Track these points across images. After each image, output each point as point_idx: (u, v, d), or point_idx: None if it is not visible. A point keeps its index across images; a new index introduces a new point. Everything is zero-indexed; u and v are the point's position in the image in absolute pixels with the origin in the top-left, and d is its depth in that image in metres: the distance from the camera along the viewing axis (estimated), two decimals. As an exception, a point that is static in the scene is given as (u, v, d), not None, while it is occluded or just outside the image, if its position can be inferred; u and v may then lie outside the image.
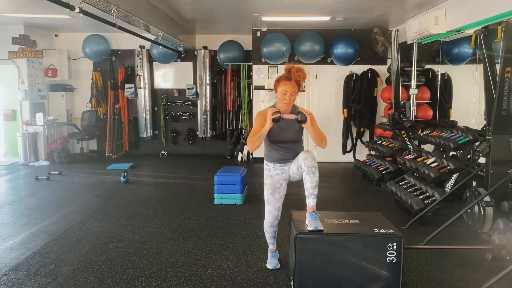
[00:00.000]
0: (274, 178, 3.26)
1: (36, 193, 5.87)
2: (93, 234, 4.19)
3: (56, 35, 8.91)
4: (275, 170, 3.26)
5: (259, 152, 8.23)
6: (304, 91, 7.17)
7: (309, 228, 2.90)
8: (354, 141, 8.23)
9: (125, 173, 6.49)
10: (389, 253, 2.84)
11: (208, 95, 8.91)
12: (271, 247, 3.47)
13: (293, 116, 3.06)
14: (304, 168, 3.00)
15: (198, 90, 8.87)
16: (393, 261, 2.84)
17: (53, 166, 7.77)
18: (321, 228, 2.89)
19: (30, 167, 7.78)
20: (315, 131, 3.08)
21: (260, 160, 8.32)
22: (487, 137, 4.13)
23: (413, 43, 6.49)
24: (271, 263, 3.45)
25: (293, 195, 5.73)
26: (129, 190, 6.07)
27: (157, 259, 3.58)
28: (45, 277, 3.24)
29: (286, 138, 3.19)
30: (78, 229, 4.34)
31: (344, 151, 8.24)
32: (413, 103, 6.63)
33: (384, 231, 2.89)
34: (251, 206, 5.22)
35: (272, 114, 3.00)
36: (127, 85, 8.71)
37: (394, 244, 2.83)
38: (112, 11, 4.61)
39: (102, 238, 4.08)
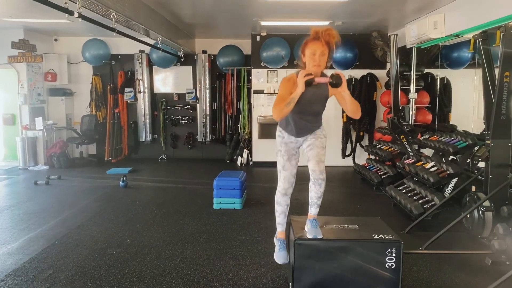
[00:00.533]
0: (288, 145, 3.07)
1: (35, 197, 5.86)
2: (92, 239, 4.18)
3: (55, 40, 8.93)
4: (289, 138, 3.07)
5: (259, 156, 8.34)
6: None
7: (309, 236, 2.89)
8: (354, 145, 8.23)
9: (124, 178, 6.48)
10: (388, 259, 2.82)
11: (207, 99, 8.92)
12: (280, 230, 3.15)
13: (326, 79, 2.77)
14: (311, 178, 2.95)
15: (198, 94, 8.88)
16: (392, 267, 2.83)
17: (52, 170, 7.75)
18: (321, 236, 2.87)
19: (29, 172, 7.77)
20: (350, 95, 2.81)
21: (259, 164, 8.32)
22: (486, 141, 4.12)
23: (412, 47, 6.50)
24: (280, 256, 3.11)
25: (293, 200, 5.70)
26: (128, 194, 6.06)
27: (156, 265, 3.57)
28: (43, 282, 3.22)
29: (311, 109, 2.95)
30: (76, 234, 4.33)
31: (344, 155, 8.23)
32: (412, 107, 6.64)
33: (383, 237, 2.88)
34: (250, 210, 5.20)
35: (304, 76, 2.72)
36: (126, 89, 8.72)
37: (393, 249, 2.81)
38: (111, 16, 4.62)
39: (100, 243, 4.07)
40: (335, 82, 2.72)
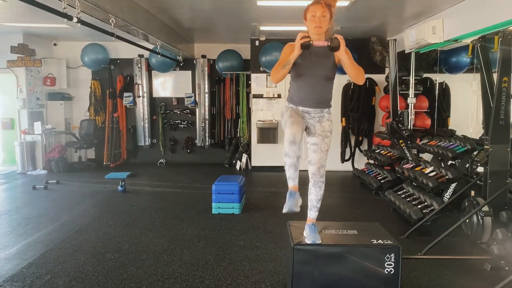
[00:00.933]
0: (296, 110, 2.93)
1: (33, 202, 5.84)
2: (90, 244, 4.16)
3: (55, 44, 8.93)
4: (297, 109, 2.94)
5: (258, 160, 8.33)
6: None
7: (307, 241, 2.88)
8: (353, 149, 8.22)
9: (123, 182, 6.46)
10: (387, 264, 2.81)
11: (206, 104, 8.92)
12: (291, 184, 2.80)
13: (324, 43, 2.71)
14: (311, 180, 2.98)
15: (197, 99, 8.89)
16: (391, 272, 2.82)
17: (51, 175, 7.74)
18: (320, 242, 2.87)
19: (27, 176, 7.75)
20: (350, 60, 2.74)
21: (258, 169, 8.32)
22: (485, 146, 4.12)
23: (410, 52, 6.51)
24: (288, 204, 2.76)
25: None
26: (127, 199, 6.04)
27: (154, 270, 3.55)
28: (41, 288, 3.21)
29: (315, 73, 2.86)
30: (74, 239, 4.31)
31: (343, 160, 8.23)
32: (411, 112, 6.65)
33: (382, 242, 2.88)
34: (249, 215, 5.19)
35: (300, 39, 2.68)
36: (125, 94, 8.73)
37: (392, 255, 2.81)
38: (110, 21, 4.63)
39: (99, 248, 4.05)
40: (333, 45, 2.67)
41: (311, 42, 2.72)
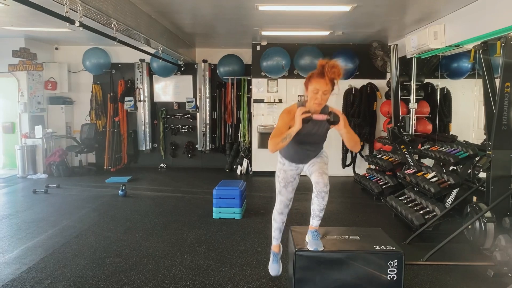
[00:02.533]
0: (287, 173, 3.06)
1: (33, 206, 5.83)
2: (90, 249, 4.14)
3: (56, 48, 8.95)
4: (290, 166, 3.06)
5: (258, 165, 8.31)
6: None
7: (310, 248, 2.85)
8: (354, 155, 8.21)
9: (124, 187, 6.45)
10: (390, 270, 2.79)
11: (207, 108, 8.92)
12: (275, 243, 3.25)
13: (324, 117, 2.73)
14: (315, 190, 2.92)
15: (198, 103, 8.89)
16: (394, 278, 2.80)
17: (51, 179, 7.73)
18: (322, 249, 2.84)
19: (28, 180, 7.74)
20: (349, 133, 2.80)
21: (259, 173, 8.30)
22: (487, 152, 4.11)
23: (412, 57, 6.51)
24: (274, 268, 3.24)
25: (293, 210, 5.67)
26: (127, 203, 6.02)
27: (154, 275, 3.53)
28: (40, 293, 3.19)
29: (311, 140, 2.95)
30: (75, 244, 4.29)
31: (344, 165, 8.22)
32: (412, 117, 6.63)
33: (385, 248, 2.85)
34: (250, 220, 5.17)
35: (302, 114, 2.70)
36: (126, 98, 8.73)
37: (395, 261, 2.78)
38: (112, 25, 4.63)
39: (99, 253, 4.03)
40: (333, 120, 2.70)
41: (311, 117, 2.71)
